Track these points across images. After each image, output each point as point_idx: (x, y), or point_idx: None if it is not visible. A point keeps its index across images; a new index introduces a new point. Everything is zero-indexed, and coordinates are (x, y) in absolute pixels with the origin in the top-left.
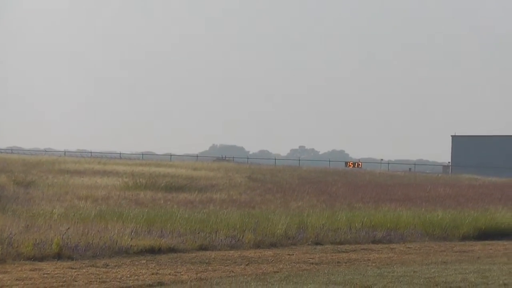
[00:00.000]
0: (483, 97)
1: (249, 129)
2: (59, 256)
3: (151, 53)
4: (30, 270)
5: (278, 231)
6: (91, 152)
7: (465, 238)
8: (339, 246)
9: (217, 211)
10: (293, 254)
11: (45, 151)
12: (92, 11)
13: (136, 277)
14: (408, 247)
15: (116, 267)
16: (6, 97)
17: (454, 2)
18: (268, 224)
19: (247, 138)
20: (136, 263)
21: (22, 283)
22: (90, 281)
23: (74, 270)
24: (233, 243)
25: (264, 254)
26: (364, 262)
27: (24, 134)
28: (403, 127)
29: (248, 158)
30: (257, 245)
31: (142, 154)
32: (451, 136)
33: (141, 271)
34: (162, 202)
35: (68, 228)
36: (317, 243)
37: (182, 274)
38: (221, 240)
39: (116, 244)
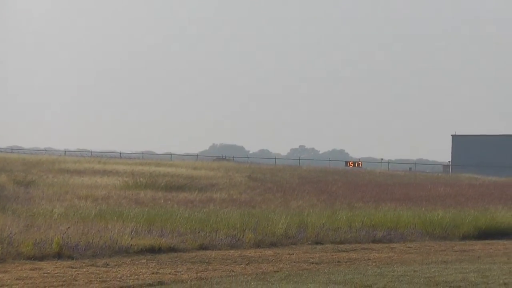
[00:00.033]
0: (483, 97)
1: (249, 129)
2: (59, 255)
3: (151, 53)
4: (30, 269)
5: (278, 230)
6: (91, 152)
7: (465, 237)
8: (339, 245)
9: (217, 210)
10: (293, 254)
11: (45, 150)
12: (92, 11)
13: (136, 276)
14: (408, 247)
15: (116, 266)
16: (6, 97)
17: (454, 2)
18: (268, 224)
19: (247, 138)
20: (136, 262)
21: (22, 282)
22: (90, 281)
23: (74, 270)
24: (233, 243)
25: (264, 253)
26: (364, 262)
27: (24, 133)
28: (403, 126)
29: (248, 157)
30: (257, 245)
31: (142, 154)
32: (451, 135)
33: (141, 270)
34: (162, 201)
35: (68, 227)
36: (317, 243)
37: (182, 274)
38: (221, 239)
39: (116, 243)
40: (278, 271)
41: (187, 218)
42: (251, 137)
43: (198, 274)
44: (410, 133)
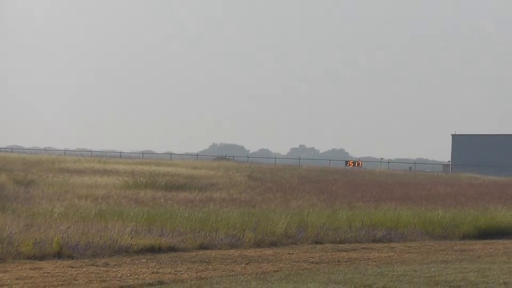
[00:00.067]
0: (483, 97)
1: (249, 128)
2: (59, 255)
3: (151, 53)
4: (30, 269)
5: (278, 230)
6: (91, 151)
7: (465, 237)
8: (339, 245)
9: (217, 210)
10: (293, 253)
11: (45, 150)
12: (92, 10)
13: (136, 276)
14: (408, 246)
15: (116, 266)
16: (6, 97)
17: (454, 2)
18: (268, 223)
19: (247, 137)
20: (136, 262)
21: (22, 282)
22: (90, 280)
23: (74, 269)
24: (233, 242)
25: (264, 253)
26: (364, 261)
27: (24, 133)
28: (403, 126)
29: (248, 157)
30: (257, 244)
31: (142, 153)
32: (451, 135)
33: (141, 270)
34: (162, 201)
35: (68, 227)
36: (317, 242)
37: (182, 273)
38: (221, 239)
39: (116, 243)
40: (278, 271)
41: (187, 217)
42: (251, 137)
43: (198, 273)
44: (410, 133)
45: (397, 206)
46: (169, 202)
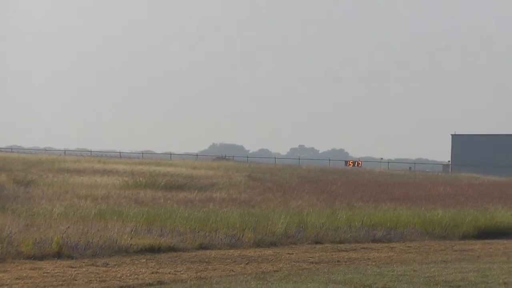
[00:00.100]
0: (483, 97)
1: (249, 128)
2: (59, 255)
3: (151, 53)
4: (30, 269)
5: (278, 230)
6: (91, 151)
7: (465, 237)
8: (339, 245)
9: (217, 210)
10: (293, 253)
11: (45, 150)
12: (92, 10)
13: (136, 276)
14: (408, 246)
15: (116, 266)
16: (6, 97)
17: (454, 2)
18: (268, 223)
19: (247, 137)
20: (136, 262)
21: (22, 282)
22: (90, 280)
23: (74, 269)
24: (233, 242)
25: (264, 253)
26: (364, 261)
27: (24, 133)
28: (403, 126)
29: (248, 157)
30: (257, 244)
31: (142, 153)
32: (451, 135)
33: (141, 270)
34: (162, 201)
35: (68, 227)
36: (317, 242)
37: (182, 273)
38: (221, 239)
39: (116, 243)
40: (277, 271)
41: (186, 217)
42: (251, 137)
43: (198, 273)
44: (410, 133)
45: (396, 206)
46: (168, 202)
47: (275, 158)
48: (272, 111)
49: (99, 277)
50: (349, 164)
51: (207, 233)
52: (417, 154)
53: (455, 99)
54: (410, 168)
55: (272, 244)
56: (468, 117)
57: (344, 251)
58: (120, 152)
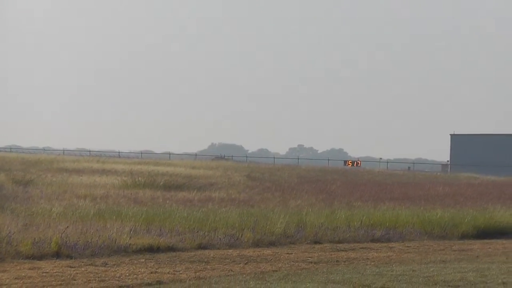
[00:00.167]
0: (482, 96)
1: (248, 128)
2: (58, 254)
3: (151, 53)
4: (29, 268)
5: (277, 230)
6: (90, 151)
7: (464, 237)
8: (338, 245)
9: (216, 209)
10: (292, 253)
11: (44, 149)
12: (92, 10)
13: (135, 276)
14: (407, 246)
15: (115, 265)
16: (6, 97)
17: (454, 2)
18: (267, 223)
19: (246, 137)
20: (135, 261)
21: (21, 282)
22: (89, 280)
23: (73, 269)
24: (232, 242)
25: (263, 253)
26: (363, 261)
27: (23, 132)
28: (402, 126)
29: (247, 156)
30: (256, 244)
31: (141, 153)
32: (450, 134)
33: (140, 270)
34: (161, 200)
35: (67, 226)
36: (316, 242)
37: (181, 273)
38: (220, 239)
39: (115, 242)
40: (276, 271)
41: (185, 217)
42: (250, 137)
43: (197, 273)
44: (409, 133)
45: (396, 206)
46: (167, 202)
47: (274, 158)
48: (272, 111)
49: (98, 277)
50: (348, 164)
51: (206, 233)
52: (416, 154)
53: (455, 99)
54: (409, 168)
55: (271, 244)
56: (468, 117)
57: (343, 251)
58: (119, 152)
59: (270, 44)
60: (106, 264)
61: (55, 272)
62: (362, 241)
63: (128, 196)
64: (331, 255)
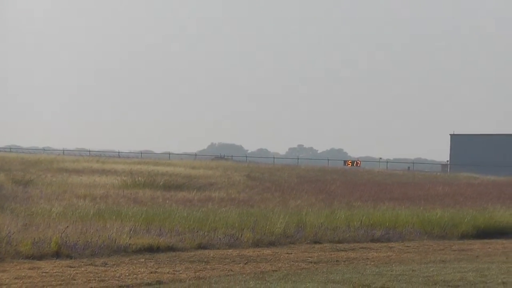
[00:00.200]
0: (482, 96)
1: (247, 128)
2: (57, 254)
3: (151, 53)
4: (29, 268)
5: (276, 229)
6: (89, 151)
7: (463, 236)
8: (337, 244)
9: (215, 209)
10: (291, 253)
11: (44, 149)
12: (92, 10)
13: (134, 275)
14: (407, 246)
15: (115, 265)
16: (6, 97)
17: (454, 2)
18: (267, 223)
19: (245, 137)
20: (135, 261)
21: (21, 281)
22: (89, 280)
23: (72, 269)
24: (232, 242)
25: (262, 252)
26: (363, 261)
27: (23, 132)
28: (402, 125)
29: (246, 156)
30: (256, 244)
31: (141, 153)
32: (450, 134)
33: (140, 269)
34: (160, 200)
35: (67, 226)
36: (315, 242)
37: (180, 273)
38: (220, 238)
39: (115, 242)
40: (276, 270)
41: (185, 217)
42: (250, 137)
43: (197, 273)
44: (409, 133)
45: (395, 206)
46: (167, 201)
47: (273, 158)
48: (272, 111)
49: (98, 277)
50: (348, 164)
51: (205, 233)
52: (416, 154)
53: (455, 99)
54: (409, 168)
55: (271, 244)
56: (468, 117)
57: (342, 250)
58: (119, 152)
59: (270, 44)
60: (106, 264)
61: (55, 272)
62: (362, 241)
63: (128, 196)
64: (331, 255)
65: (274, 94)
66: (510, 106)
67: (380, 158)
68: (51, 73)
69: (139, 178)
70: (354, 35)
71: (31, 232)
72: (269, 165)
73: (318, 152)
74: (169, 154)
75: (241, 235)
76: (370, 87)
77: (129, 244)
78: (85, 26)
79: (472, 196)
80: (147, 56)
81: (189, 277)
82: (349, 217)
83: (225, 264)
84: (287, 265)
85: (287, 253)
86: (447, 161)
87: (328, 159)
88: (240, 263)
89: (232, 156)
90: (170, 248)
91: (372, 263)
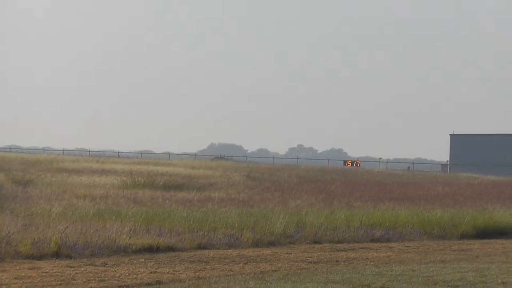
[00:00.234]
0: (482, 96)
1: (247, 128)
2: (57, 254)
3: (151, 53)
4: (29, 268)
5: (276, 229)
6: (89, 151)
7: (463, 236)
8: (337, 244)
9: (215, 209)
10: (291, 253)
11: (44, 149)
12: (92, 10)
13: (134, 275)
14: (407, 246)
15: (115, 265)
16: (6, 97)
17: (454, 2)
18: (267, 223)
19: (245, 137)
20: (135, 261)
21: (21, 281)
22: (89, 280)
23: (72, 269)
24: (232, 242)
25: (262, 252)
26: (363, 261)
27: (23, 132)
28: (401, 125)
29: (246, 156)
30: (256, 244)
31: (141, 153)
32: (450, 134)
33: (140, 269)
34: (160, 200)
35: (67, 226)
36: (315, 242)
37: (180, 273)
38: (220, 239)
39: (115, 242)
40: (276, 270)
41: (185, 217)
42: (250, 137)
43: (196, 273)
44: (409, 133)
45: (395, 206)
46: (167, 202)
47: (273, 158)
48: (272, 111)
49: (98, 277)
50: (348, 164)
51: (205, 233)
52: (416, 154)
53: (455, 99)
54: (408, 168)
55: (271, 244)
56: (467, 117)
57: (342, 250)
58: (118, 152)
59: (270, 44)
60: (106, 264)
61: (55, 272)
62: (362, 241)
63: (127, 196)
64: (331, 255)
65: (274, 94)
66: (510, 106)
67: (380, 158)
68: (51, 73)
69: (139, 178)
70: (354, 35)
71: (31, 232)
72: (269, 165)
73: (318, 152)
74: (169, 154)
75: (241, 235)
76: (370, 87)
77: (129, 244)
78: (85, 26)
79: (472, 196)
80: (147, 56)
81: (189, 277)
82: (349, 217)
83: (225, 264)
84: (287, 265)
85: (287, 253)
86: (447, 161)
87: (328, 159)
88: (240, 263)
89: (232, 156)
90: (170, 248)
91: (372, 263)
